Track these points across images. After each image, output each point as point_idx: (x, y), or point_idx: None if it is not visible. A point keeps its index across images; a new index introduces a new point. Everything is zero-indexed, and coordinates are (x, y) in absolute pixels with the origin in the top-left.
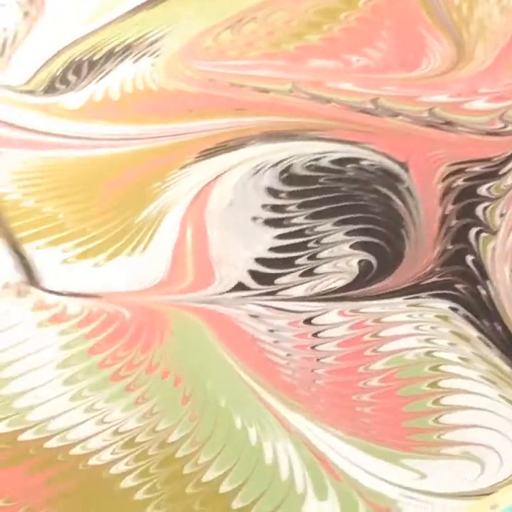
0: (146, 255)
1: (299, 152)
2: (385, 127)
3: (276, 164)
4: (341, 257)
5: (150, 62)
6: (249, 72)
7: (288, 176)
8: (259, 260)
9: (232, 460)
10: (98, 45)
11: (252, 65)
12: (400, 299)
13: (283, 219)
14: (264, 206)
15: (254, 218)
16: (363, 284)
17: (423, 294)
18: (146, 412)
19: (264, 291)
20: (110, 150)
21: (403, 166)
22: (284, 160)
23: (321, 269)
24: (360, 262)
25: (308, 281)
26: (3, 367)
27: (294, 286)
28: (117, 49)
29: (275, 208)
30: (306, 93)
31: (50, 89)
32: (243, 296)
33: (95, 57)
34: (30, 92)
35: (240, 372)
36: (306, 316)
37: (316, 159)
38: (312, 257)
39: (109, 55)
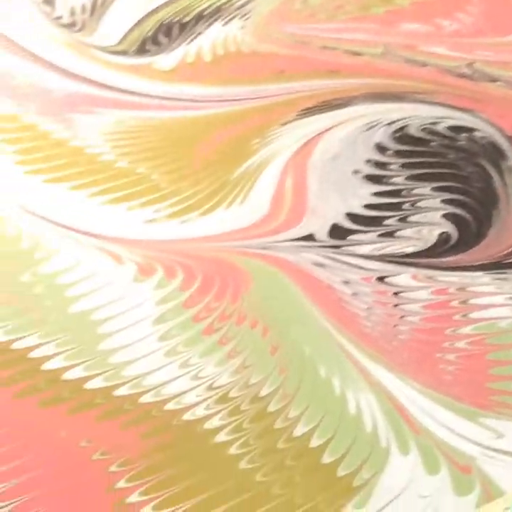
0: (242, 208)
1: (416, 114)
2: (485, 92)
3: (391, 123)
4: (429, 225)
5: (240, 24)
6: (340, 35)
7: (401, 136)
8: (350, 216)
9: (320, 413)
10: (188, 8)
11: (343, 28)
12: (480, 273)
13: (383, 176)
14: (367, 161)
15: (356, 172)
16: (435, 255)
17: (509, 271)
18: (239, 365)
19: (327, 244)
20: (203, 111)
21: (511, 140)
22: (400, 120)
23: (404, 232)
24: (441, 233)
25: (378, 242)
26: (100, 323)
27: (361, 244)
28: (207, 11)
29: (378, 165)
30: (400, 56)
31: (142, 50)
32: (304, 246)
33: (185, 19)
34: (122, 53)
35: (321, 320)
36: (377, 274)
37: (433, 123)
38: (402, 219)
39: (199, 17)
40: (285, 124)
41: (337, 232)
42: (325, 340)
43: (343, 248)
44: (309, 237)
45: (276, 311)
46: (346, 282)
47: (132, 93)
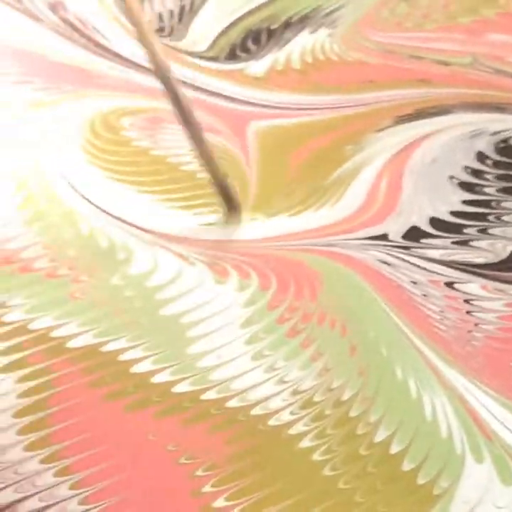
0: (330, 211)
1: None
2: None
3: (496, 133)
4: (506, 240)
5: (327, 32)
6: (428, 45)
7: (505, 147)
8: (433, 220)
9: (398, 417)
10: (275, 15)
11: (430, 38)
12: None
13: (477, 185)
14: (465, 168)
15: (452, 177)
16: (505, 269)
17: None
18: (321, 368)
19: (398, 244)
20: (296, 119)
21: None
22: (503, 131)
23: (479, 243)
24: None
25: (449, 249)
26: (189, 326)
27: (432, 248)
28: (294, 19)
29: (475, 173)
30: (488, 67)
31: (232, 56)
32: (373, 244)
33: (273, 27)
34: (213, 59)
35: (395, 319)
36: (445, 279)
37: None
38: (483, 231)
39: (287, 24)
40: (380, 130)
41: (413, 234)
42: (400, 340)
43: (413, 250)
44: (382, 237)
45: (351, 309)
46: (414, 282)
47: (225, 97)
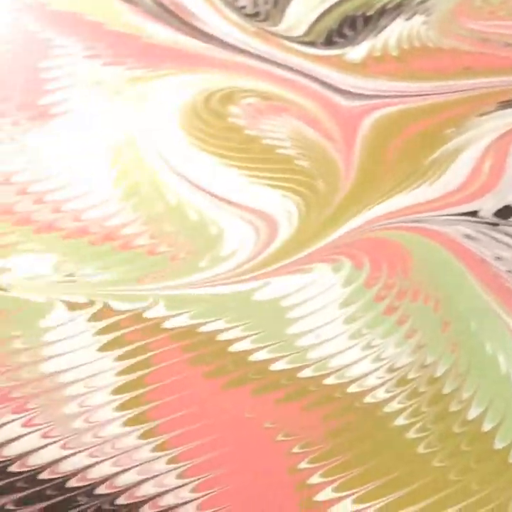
0: (426, 190)
1: None
2: None
3: None
4: None
5: (422, 20)
6: None
7: None
8: None
9: (489, 394)
10: (370, 2)
11: None
12: None
13: None
14: None
15: None
16: None
17: None
18: (415, 345)
19: (487, 221)
20: (396, 107)
21: None
22: None
23: None
24: None
25: None
26: (291, 308)
27: None
28: (389, 6)
29: None
30: None
31: (329, 42)
32: (461, 220)
33: (369, 13)
34: (311, 44)
35: (482, 294)
36: None
37: None
38: None
39: (382, 11)
40: (483, 115)
41: (504, 212)
42: (488, 315)
43: (500, 227)
44: (472, 214)
45: (442, 284)
46: (498, 258)
47: (324, 84)
